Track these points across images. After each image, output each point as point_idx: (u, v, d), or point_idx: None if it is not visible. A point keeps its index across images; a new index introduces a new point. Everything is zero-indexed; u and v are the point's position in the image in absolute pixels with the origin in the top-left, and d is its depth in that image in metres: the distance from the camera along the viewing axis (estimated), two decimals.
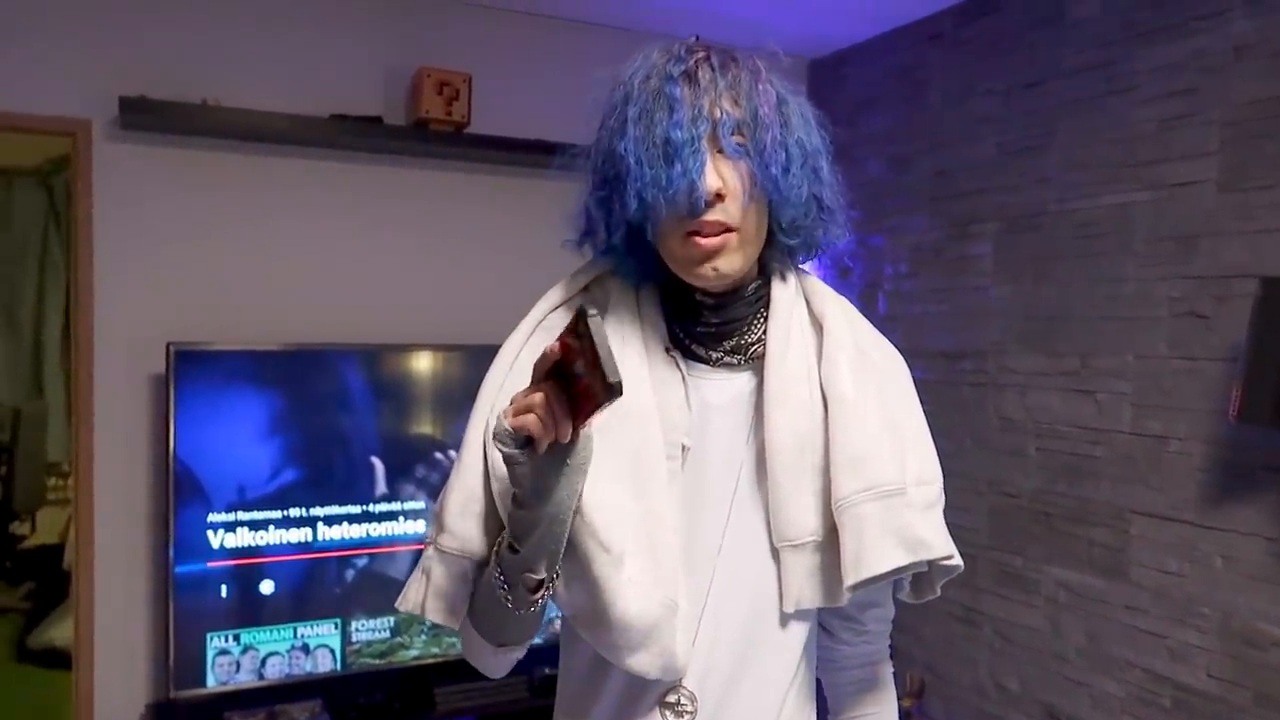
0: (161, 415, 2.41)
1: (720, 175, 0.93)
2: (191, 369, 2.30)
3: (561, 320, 1.02)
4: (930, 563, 0.98)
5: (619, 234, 0.98)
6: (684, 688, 0.98)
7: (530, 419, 0.83)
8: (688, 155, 0.90)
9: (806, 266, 1.10)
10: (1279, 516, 1.99)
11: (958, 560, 0.99)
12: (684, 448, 0.99)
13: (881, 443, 0.97)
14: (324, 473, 2.45)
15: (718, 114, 0.92)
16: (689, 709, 0.98)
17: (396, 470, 2.53)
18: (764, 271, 1.04)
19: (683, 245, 0.95)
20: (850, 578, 0.94)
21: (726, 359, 1.02)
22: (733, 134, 0.92)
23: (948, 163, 2.80)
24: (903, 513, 0.95)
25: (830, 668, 1.13)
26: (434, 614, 1.00)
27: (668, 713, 0.98)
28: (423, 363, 2.57)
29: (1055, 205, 2.46)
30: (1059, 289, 2.45)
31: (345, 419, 2.49)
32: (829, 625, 1.11)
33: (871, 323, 1.10)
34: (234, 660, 2.37)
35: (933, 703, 2.81)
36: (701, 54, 0.95)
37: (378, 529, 2.51)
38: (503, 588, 0.92)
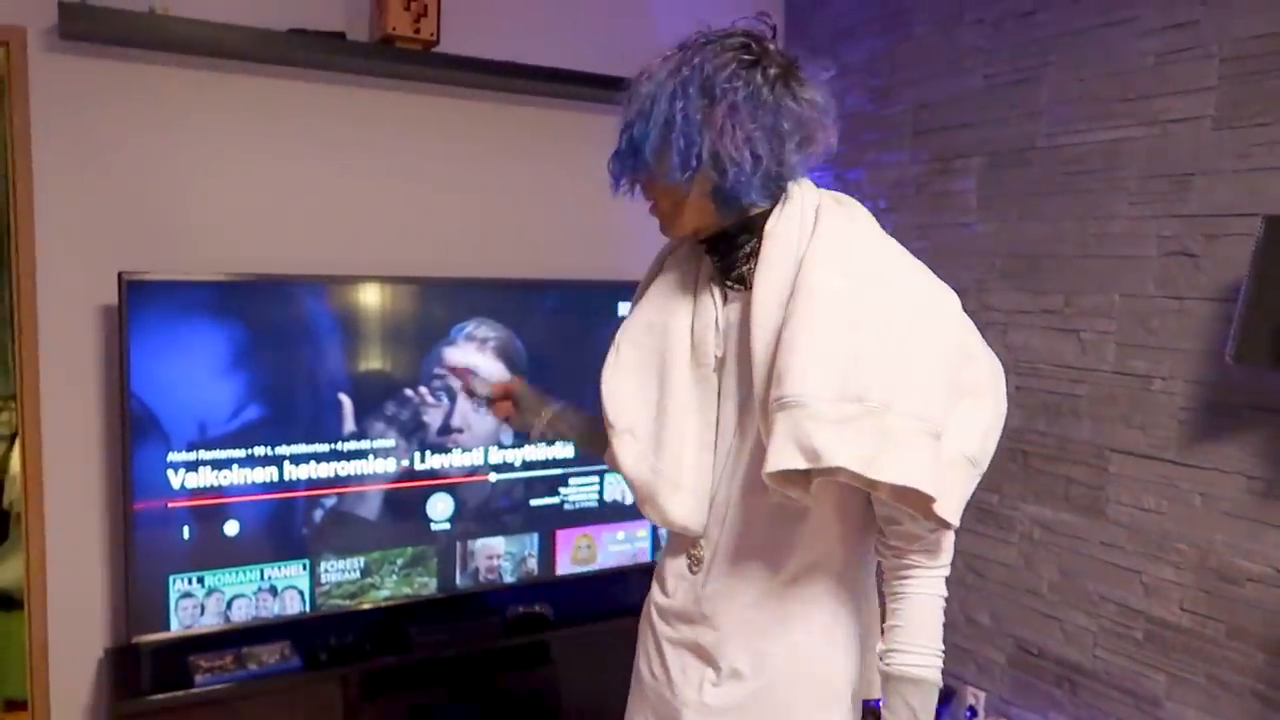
0: (115, 349, 2.27)
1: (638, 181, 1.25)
2: (146, 301, 2.15)
3: (684, 257, 1.36)
4: (909, 491, 1.09)
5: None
6: (701, 543, 1.29)
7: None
8: (617, 173, 1.25)
9: (826, 198, 1.24)
10: (1262, 455, 2.01)
11: (883, 477, 1.07)
12: (716, 358, 1.27)
13: (797, 361, 1.10)
14: (289, 410, 2.34)
15: (634, 132, 1.19)
16: (700, 559, 1.29)
17: (365, 408, 2.43)
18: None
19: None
20: (765, 469, 1.12)
21: (736, 287, 1.27)
22: (635, 150, 1.20)
23: (931, 95, 2.73)
24: (803, 423, 1.08)
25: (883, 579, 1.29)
26: None
27: (690, 561, 1.31)
28: (391, 296, 2.45)
29: (1044, 141, 2.41)
30: (1045, 226, 2.42)
31: (311, 354, 2.37)
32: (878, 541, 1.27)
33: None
34: (198, 603, 2.28)
35: None
36: (642, 74, 1.21)
37: (346, 468, 2.42)
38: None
